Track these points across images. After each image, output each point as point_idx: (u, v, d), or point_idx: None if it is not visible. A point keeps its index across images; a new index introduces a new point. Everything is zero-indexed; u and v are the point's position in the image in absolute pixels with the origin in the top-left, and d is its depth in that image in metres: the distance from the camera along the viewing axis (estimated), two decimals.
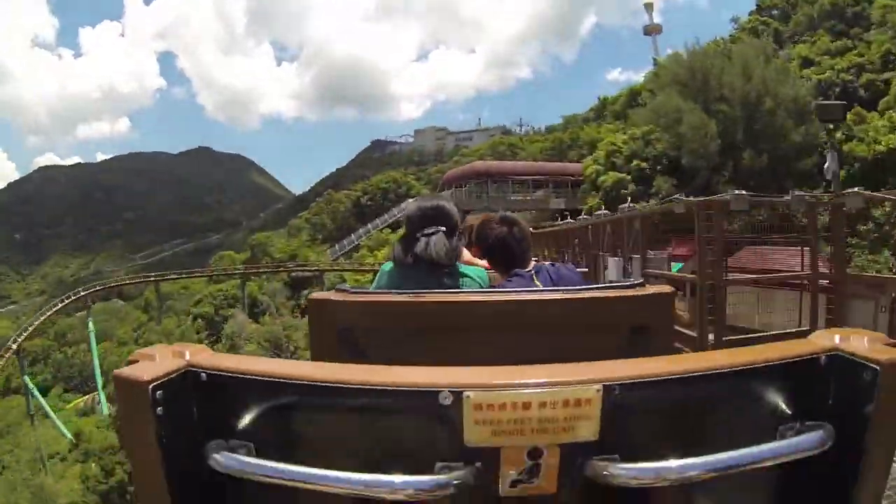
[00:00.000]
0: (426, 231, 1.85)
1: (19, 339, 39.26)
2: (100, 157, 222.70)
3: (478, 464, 0.79)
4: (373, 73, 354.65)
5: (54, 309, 44.04)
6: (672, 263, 11.18)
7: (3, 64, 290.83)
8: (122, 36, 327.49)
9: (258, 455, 0.83)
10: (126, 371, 0.83)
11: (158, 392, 0.81)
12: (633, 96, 45.96)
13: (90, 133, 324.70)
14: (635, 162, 31.55)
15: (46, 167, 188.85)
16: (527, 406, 0.77)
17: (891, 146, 24.43)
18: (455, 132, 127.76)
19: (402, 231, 2.07)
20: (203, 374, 0.86)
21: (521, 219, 2.16)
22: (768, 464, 0.81)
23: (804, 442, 0.82)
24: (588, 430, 0.78)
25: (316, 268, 45.46)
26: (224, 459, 0.82)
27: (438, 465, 0.79)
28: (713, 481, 0.81)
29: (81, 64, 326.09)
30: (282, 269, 47.47)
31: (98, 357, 42.72)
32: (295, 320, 36.86)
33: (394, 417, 0.83)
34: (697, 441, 0.84)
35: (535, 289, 1.80)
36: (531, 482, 0.80)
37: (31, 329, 41.48)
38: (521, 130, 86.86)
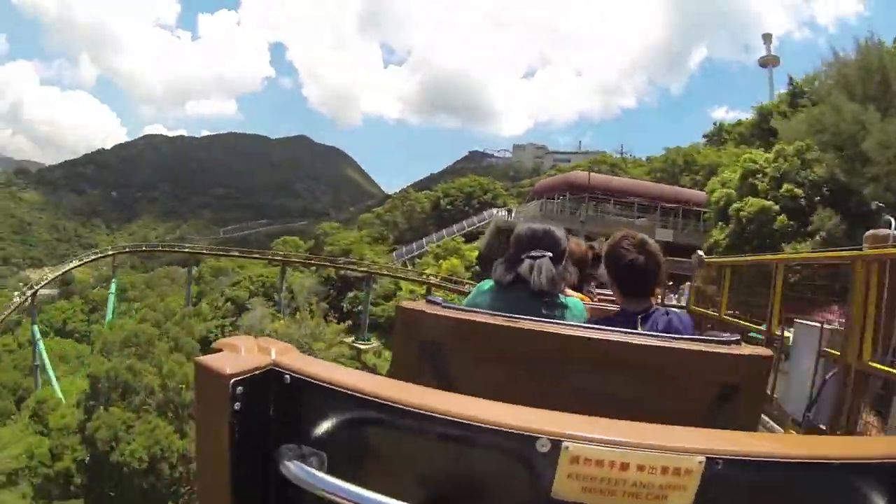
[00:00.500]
0: (532, 254, 1.80)
1: (36, 287, 40.89)
2: (203, 132, 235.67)
3: None
4: (478, 85, 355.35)
5: (79, 263, 46.27)
6: None
7: (126, 39, 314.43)
8: (238, 25, 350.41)
9: (330, 465, 0.82)
10: (209, 360, 0.83)
11: (239, 387, 0.80)
12: (763, 118, 37.69)
13: (198, 109, 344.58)
14: (785, 186, 23.06)
15: (152, 135, 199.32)
16: (625, 467, 0.72)
17: None
18: (553, 152, 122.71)
19: (477, 243, 2.31)
20: (287, 377, 0.85)
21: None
22: None
23: None
24: (681, 502, 0.73)
25: (366, 269, 38.62)
26: (296, 469, 0.80)
27: None
28: None
29: (197, 46, 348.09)
30: (314, 262, 43.18)
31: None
32: (326, 327, 29.59)
33: (478, 454, 0.78)
34: None
35: (632, 331, 1.66)
36: None
37: (46, 281, 42.96)
38: (621, 157, 77.45)
